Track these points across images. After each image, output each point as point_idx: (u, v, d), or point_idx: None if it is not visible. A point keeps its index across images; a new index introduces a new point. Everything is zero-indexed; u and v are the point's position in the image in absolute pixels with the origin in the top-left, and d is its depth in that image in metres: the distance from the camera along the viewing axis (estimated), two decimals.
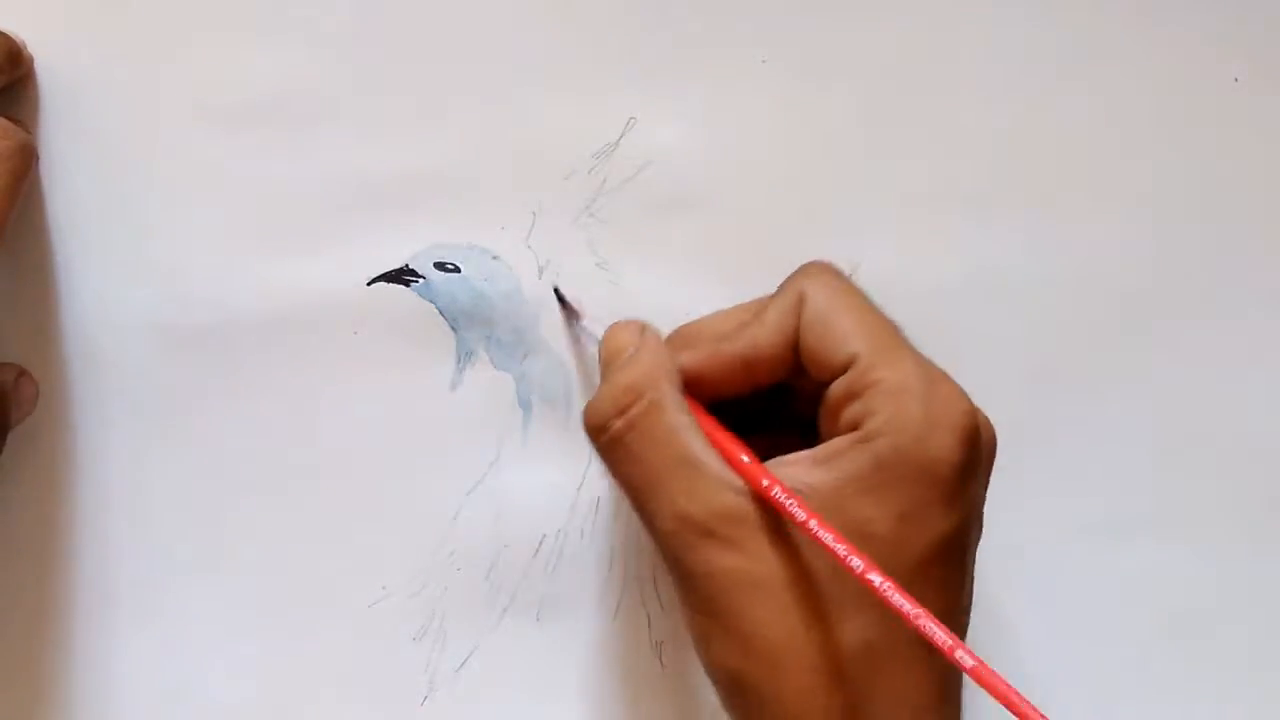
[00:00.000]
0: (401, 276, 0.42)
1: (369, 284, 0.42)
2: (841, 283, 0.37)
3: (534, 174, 0.42)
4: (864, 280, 0.42)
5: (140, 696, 0.42)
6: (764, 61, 0.43)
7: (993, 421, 0.43)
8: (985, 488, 0.36)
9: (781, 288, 0.38)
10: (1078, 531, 0.43)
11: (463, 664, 0.42)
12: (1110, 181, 0.43)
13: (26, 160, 0.38)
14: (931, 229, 0.43)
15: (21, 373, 0.42)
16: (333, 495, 0.42)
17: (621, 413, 0.36)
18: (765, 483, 0.34)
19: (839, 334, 0.35)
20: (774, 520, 0.34)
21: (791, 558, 0.34)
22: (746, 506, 0.34)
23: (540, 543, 0.42)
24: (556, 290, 0.42)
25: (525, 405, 0.43)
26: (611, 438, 0.36)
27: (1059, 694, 0.43)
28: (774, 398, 0.38)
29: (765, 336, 0.37)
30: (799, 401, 0.38)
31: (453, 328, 0.42)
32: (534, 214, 0.42)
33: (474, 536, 0.42)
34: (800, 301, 0.36)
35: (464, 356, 0.42)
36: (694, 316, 0.42)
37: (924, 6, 0.43)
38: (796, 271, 0.38)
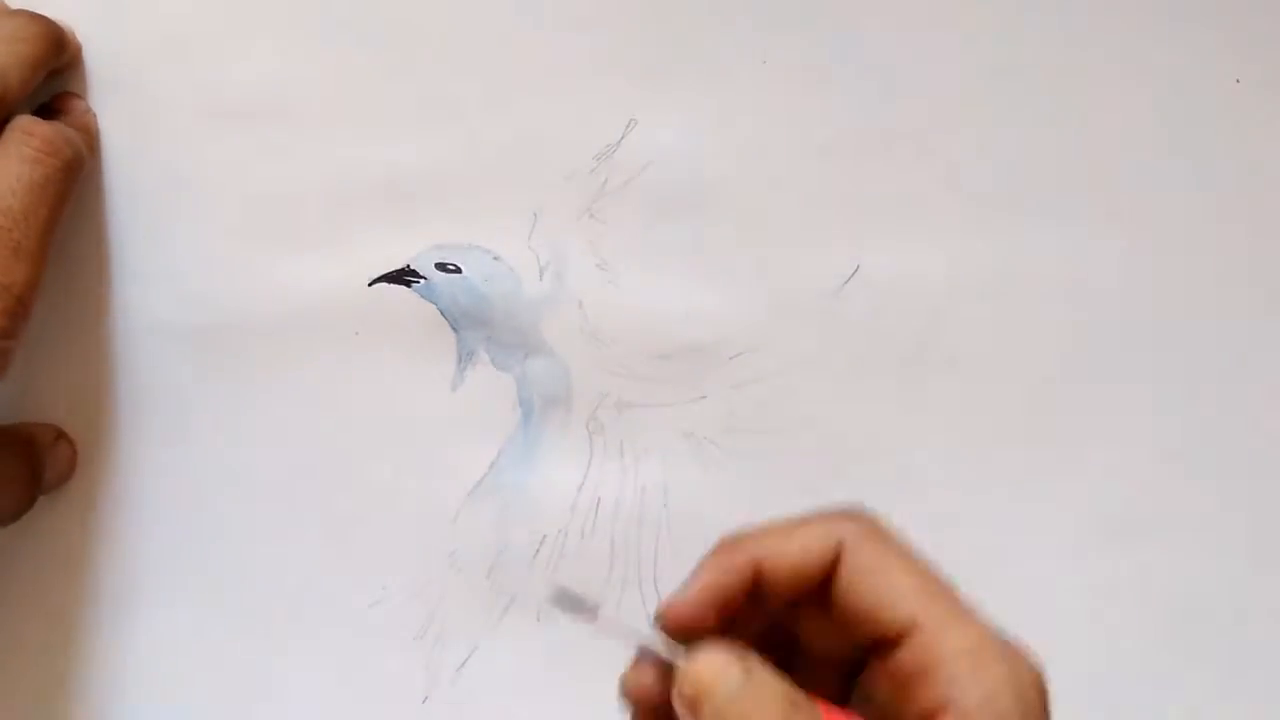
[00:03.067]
0: (402, 277, 0.42)
1: (370, 284, 0.42)
2: (889, 535, 0.33)
3: (535, 175, 0.42)
4: (863, 282, 0.43)
5: (140, 695, 0.42)
6: (764, 63, 0.43)
7: (994, 422, 0.43)
8: None
9: (812, 520, 0.33)
10: (1077, 532, 0.43)
11: (463, 664, 0.43)
12: (1110, 182, 0.43)
13: (70, 180, 0.38)
14: (931, 230, 0.43)
15: (60, 435, 0.42)
16: (333, 495, 0.42)
17: None
18: None
19: (894, 593, 0.32)
20: None
21: None
22: None
23: (540, 543, 0.42)
24: (564, 592, 0.34)
25: (526, 405, 0.43)
26: None
27: (1059, 695, 0.43)
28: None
29: (789, 553, 0.32)
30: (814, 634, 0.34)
31: (454, 328, 0.42)
32: (535, 215, 0.42)
33: (474, 536, 0.42)
34: (838, 546, 0.32)
35: (465, 357, 0.42)
36: (694, 317, 0.42)
37: (924, 7, 0.43)
38: (830, 512, 0.33)
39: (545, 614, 0.42)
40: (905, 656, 0.31)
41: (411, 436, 0.42)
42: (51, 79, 0.41)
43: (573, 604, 0.33)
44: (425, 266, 0.42)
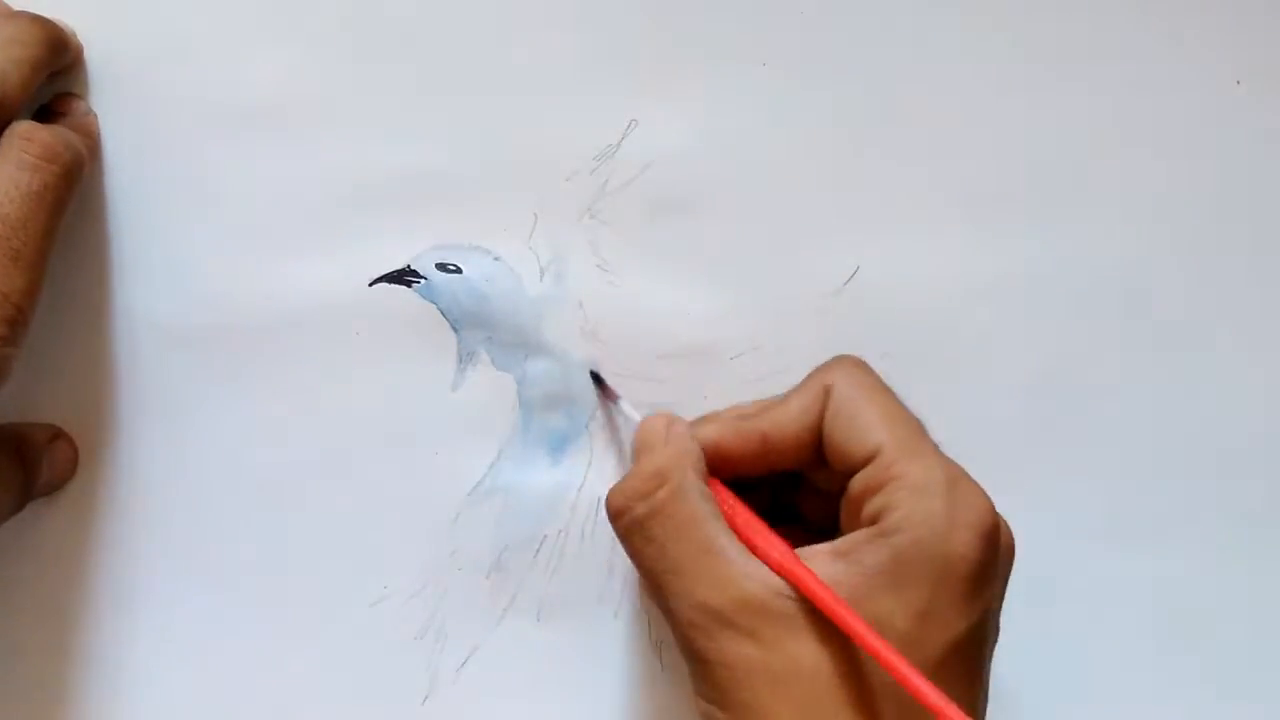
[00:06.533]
0: (403, 277, 0.42)
1: (370, 284, 0.42)
2: (869, 377, 0.37)
3: (535, 175, 0.42)
4: (863, 282, 0.43)
5: (139, 695, 0.42)
6: (764, 64, 0.43)
7: (993, 422, 0.43)
8: (1004, 591, 0.36)
9: (807, 377, 0.38)
10: (1077, 532, 0.43)
11: (463, 664, 0.43)
12: (1111, 183, 0.43)
13: (70, 186, 0.38)
14: (931, 231, 0.43)
15: (57, 434, 0.42)
16: (333, 495, 0.42)
17: (644, 497, 0.36)
18: (789, 567, 0.34)
19: (863, 426, 0.36)
20: (795, 614, 0.34)
21: (812, 652, 0.34)
22: (768, 597, 0.34)
23: (541, 543, 0.42)
24: (594, 374, 0.42)
25: (526, 406, 0.43)
26: (632, 521, 0.36)
27: (1059, 695, 0.43)
28: (787, 500, 0.39)
29: (786, 417, 0.37)
30: (813, 501, 0.39)
31: (454, 328, 0.42)
32: (535, 215, 0.42)
33: (474, 537, 0.42)
34: (826, 392, 0.37)
35: (465, 357, 0.42)
36: (694, 317, 0.42)
37: (924, 9, 0.43)
38: (825, 363, 0.38)
39: (545, 614, 0.43)
40: (862, 476, 0.35)
41: (411, 436, 0.42)
42: (53, 80, 0.41)
43: (602, 385, 0.42)
44: (426, 266, 0.42)
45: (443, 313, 0.42)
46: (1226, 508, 0.43)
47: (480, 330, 0.42)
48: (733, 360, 0.43)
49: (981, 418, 0.43)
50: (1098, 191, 0.43)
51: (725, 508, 0.36)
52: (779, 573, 0.34)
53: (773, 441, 0.37)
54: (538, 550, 0.42)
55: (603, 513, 0.42)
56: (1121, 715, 0.43)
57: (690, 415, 0.40)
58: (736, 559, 0.35)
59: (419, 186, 0.42)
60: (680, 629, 0.35)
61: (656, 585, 0.36)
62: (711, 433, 0.38)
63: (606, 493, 0.38)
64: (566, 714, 0.43)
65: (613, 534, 0.38)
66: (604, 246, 0.43)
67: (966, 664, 0.34)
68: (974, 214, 0.43)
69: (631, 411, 0.41)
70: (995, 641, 0.36)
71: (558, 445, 0.43)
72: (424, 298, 0.42)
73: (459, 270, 0.42)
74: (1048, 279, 0.43)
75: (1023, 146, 0.43)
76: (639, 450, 0.39)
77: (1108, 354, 0.43)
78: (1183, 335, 0.43)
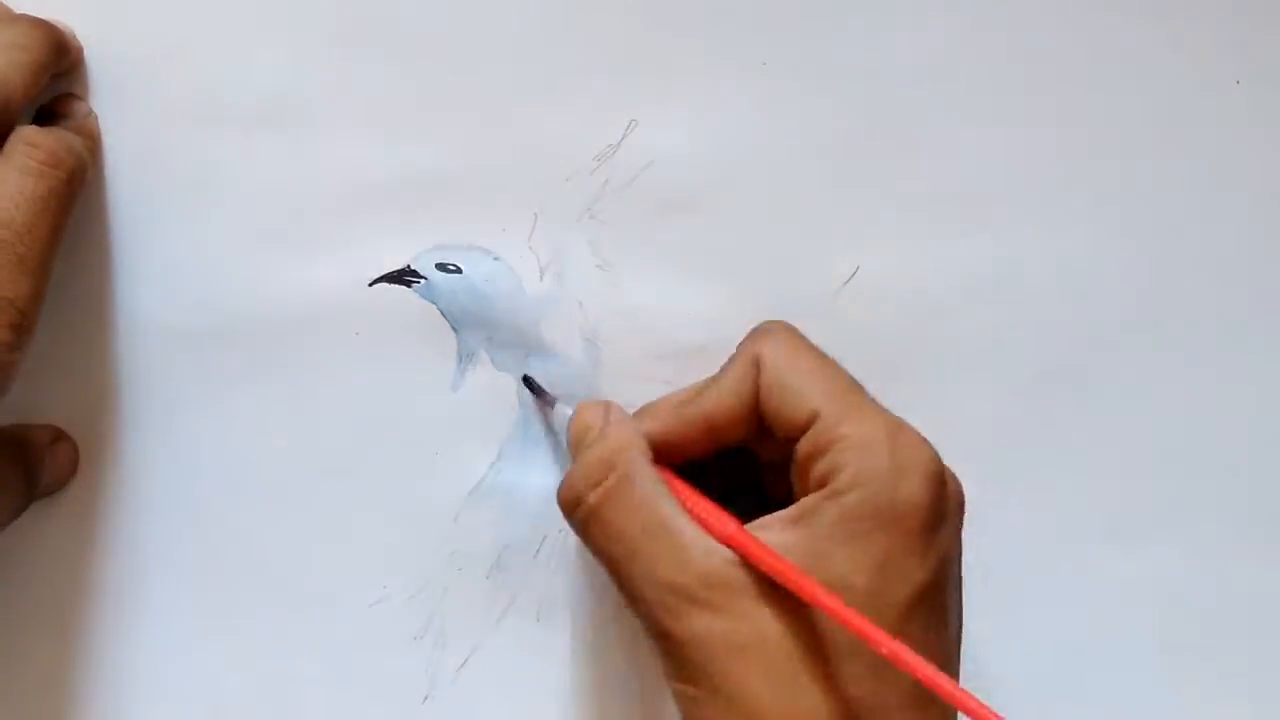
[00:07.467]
0: (403, 277, 0.42)
1: (370, 284, 0.42)
2: (797, 341, 0.38)
3: (535, 175, 0.42)
4: (863, 282, 0.43)
5: (140, 694, 0.42)
6: (764, 64, 0.43)
7: (993, 422, 0.43)
8: (959, 538, 0.36)
9: (738, 350, 0.38)
10: (1077, 532, 0.43)
11: (463, 664, 0.43)
12: (1111, 183, 0.43)
13: (73, 191, 0.38)
14: (931, 230, 0.43)
15: (59, 435, 0.42)
16: (333, 495, 0.42)
17: (595, 485, 0.36)
18: (742, 540, 0.34)
19: (799, 392, 0.36)
20: (756, 583, 0.34)
21: (775, 620, 0.34)
22: (728, 570, 0.34)
23: (541, 543, 0.43)
24: (527, 379, 0.42)
25: (526, 406, 0.43)
26: (587, 511, 0.37)
27: (1058, 694, 0.43)
28: (739, 472, 0.39)
29: (723, 396, 0.37)
30: (765, 473, 0.39)
31: (454, 328, 0.42)
32: (535, 215, 0.42)
33: (475, 536, 0.42)
34: (757, 364, 0.37)
35: (465, 357, 0.43)
36: (694, 317, 0.43)
37: (923, 9, 0.43)
38: (751, 333, 0.38)
39: (545, 614, 0.43)
40: (806, 441, 0.36)
41: (411, 436, 0.42)
42: (53, 81, 0.41)
43: (538, 391, 0.42)
44: (425, 267, 0.42)
45: (443, 313, 0.42)
46: (1227, 507, 0.43)
47: (480, 330, 0.42)
48: None
49: (981, 418, 0.43)
50: (1098, 192, 0.43)
51: (673, 490, 0.36)
52: (729, 545, 0.35)
53: (716, 423, 0.37)
54: (538, 550, 0.42)
55: None
56: (1121, 715, 0.43)
57: None
58: (694, 536, 0.35)
59: (419, 186, 0.42)
60: (646, 611, 0.35)
61: (618, 572, 0.36)
62: (656, 426, 0.38)
63: (557, 490, 0.38)
64: (566, 714, 0.43)
65: None
66: (604, 246, 0.43)
67: (934, 611, 0.35)
68: (974, 214, 0.43)
69: (568, 410, 0.40)
70: (959, 588, 0.36)
71: (558, 444, 0.43)
72: (424, 298, 0.42)
73: (459, 270, 0.42)
74: (1047, 279, 0.43)
75: (1022, 146, 0.43)
76: (576, 441, 0.39)
77: (1108, 354, 0.43)
78: (1182, 335, 0.43)
